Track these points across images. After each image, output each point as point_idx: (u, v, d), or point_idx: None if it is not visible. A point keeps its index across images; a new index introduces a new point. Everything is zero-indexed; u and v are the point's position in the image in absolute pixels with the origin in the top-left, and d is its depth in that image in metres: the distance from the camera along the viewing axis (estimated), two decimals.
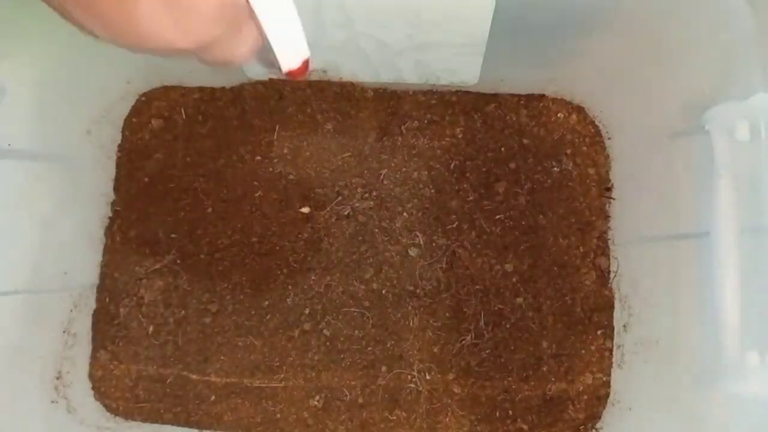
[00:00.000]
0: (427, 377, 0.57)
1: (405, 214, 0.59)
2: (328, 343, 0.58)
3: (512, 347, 0.57)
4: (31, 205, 0.53)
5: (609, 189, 0.59)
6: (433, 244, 0.59)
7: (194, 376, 0.58)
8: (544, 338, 0.57)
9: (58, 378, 0.55)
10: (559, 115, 0.61)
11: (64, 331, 0.56)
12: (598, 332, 0.57)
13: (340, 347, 0.57)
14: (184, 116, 0.62)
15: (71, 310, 0.57)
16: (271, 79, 0.60)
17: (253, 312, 0.58)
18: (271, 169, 0.61)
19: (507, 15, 0.46)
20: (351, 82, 0.59)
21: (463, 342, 0.57)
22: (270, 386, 0.57)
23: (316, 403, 0.57)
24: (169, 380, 0.58)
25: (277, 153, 0.61)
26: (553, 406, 0.56)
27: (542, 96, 0.61)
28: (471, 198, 0.59)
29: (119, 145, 0.62)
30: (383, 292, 0.58)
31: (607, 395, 0.56)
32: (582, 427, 0.56)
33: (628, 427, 0.53)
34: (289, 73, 0.27)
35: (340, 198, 0.60)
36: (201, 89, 0.62)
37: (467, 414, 0.56)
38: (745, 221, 0.38)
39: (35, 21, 0.47)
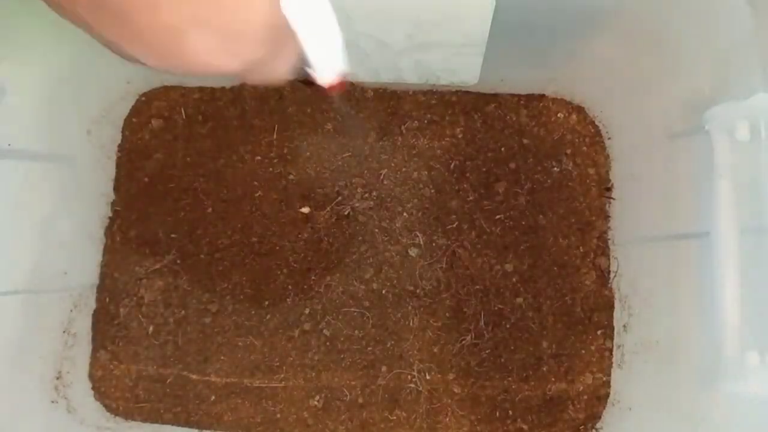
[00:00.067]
0: (427, 377, 0.57)
1: (405, 214, 0.59)
2: (328, 343, 0.58)
3: (512, 347, 0.57)
4: (31, 205, 0.53)
5: (609, 189, 0.59)
6: (433, 244, 0.59)
7: (194, 376, 0.58)
8: (544, 338, 0.57)
9: (58, 378, 0.55)
10: (559, 115, 0.61)
11: (64, 331, 0.56)
12: (598, 332, 0.57)
13: (340, 347, 0.57)
14: (184, 116, 0.62)
15: (71, 310, 0.57)
16: None
17: (253, 312, 0.58)
18: (271, 169, 0.61)
19: (507, 15, 0.46)
20: (351, 82, 0.59)
21: (463, 342, 0.57)
22: (270, 386, 0.57)
23: (316, 403, 0.57)
24: (169, 380, 0.58)
25: (277, 153, 0.61)
26: (553, 406, 0.56)
27: (542, 96, 0.61)
28: (471, 198, 0.59)
29: (119, 145, 0.62)
30: (383, 292, 0.58)
31: (607, 395, 0.56)
32: (582, 427, 0.56)
33: (628, 427, 0.53)
34: (327, 88, 0.28)
35: (340, 198, 0.60)
36: (201, 89, 0.62)
37: (467, 414, 0.56)
38: (745, 221, 0.38)
39: (35, 22, 0.47)
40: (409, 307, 0.58)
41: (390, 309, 0.58)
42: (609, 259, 0.58)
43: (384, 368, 0.57)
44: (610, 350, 0.57)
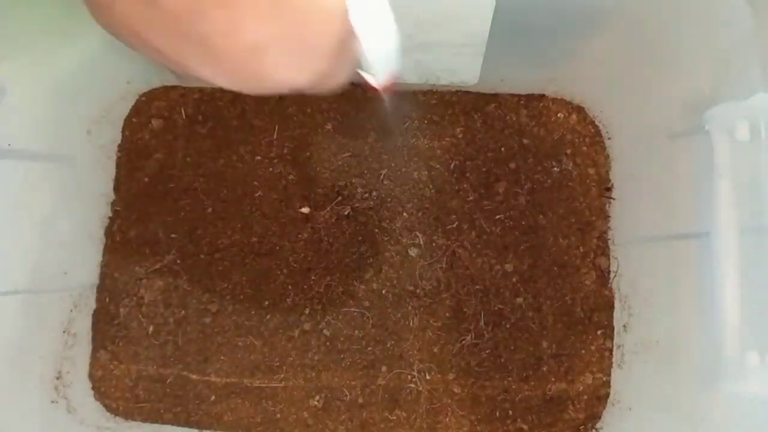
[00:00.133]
0: (427, 377, 0.57)
1: (405, 214, 0.59)
2: (328, 343, 0.58)
3: (512, 347, 0.57)
4: (31, 205, 0.53)
5: (609, 189, 0.59)
6: (433, 244, 0.59)
7: (194, 376, 0.58)
8: (544, 338, 0.57)
9: (58, 378, 0.55)
10: (559, 115, 0.61)
11: (64, 331, 0.56)
12: (598, 332, 0.57)
13: (340, 347, 0.57)
14: (184, 116, 0.62)
15: (71, 310, 0.57)
16: None
17: (253, 312, 0.58)
18: (271, 169, 0.61)
19: (507, 15, 0.46)
20: (351, 82, 0.59)
21: (463, 342, 0.57)
22: (270, 386, 0.57)
23: (316, 403, 0.57)
24: (169, 380, 0.58)
25: (277, 153, 0.61)
26: (553, 406, 0.56)
27: (542, 96, 0.61)
28: (471, 198, 0.59)
29: (119, 145, 0.62)
30: (383, 292, 0.58)
31: (607, 395, 0.56)
32: (582, 427, 0.56)
33: (628, 427, 0.53)
34: (380, 88, 0.28)
35: (340, 198, 0.60)
36: (201, 89, 0.62)
37: (467, 414, 0.56)
38: (745, 221, 0.38)
39: (35, 21, 0.47)
40: (409, 307, 0.58)
41: (390, 309, 0.58)
42: (609, 259, 0.58)
43: (384, 368, 0.57)
44: (610, 350, 0.57)
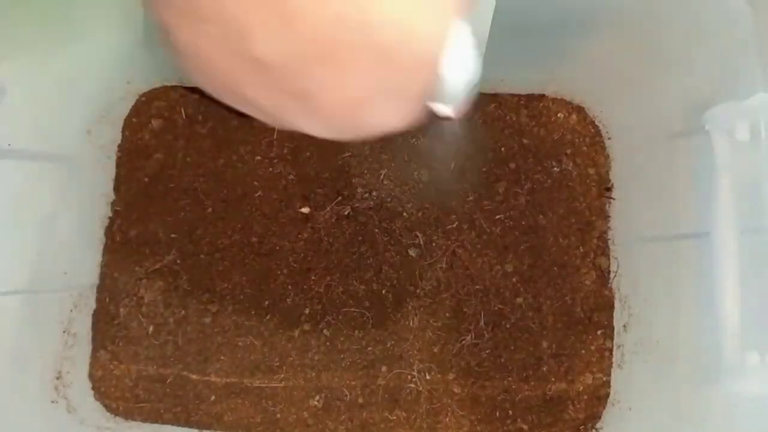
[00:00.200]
0: (427, 377, 0.57)
1: (405, 214, 0.59)
2: (328, 343, 0.58)
3: (512, 347, 0.57)
4: (31, 205, 0.53)
5: (609, 189, 0.59)
6: (433, 244, 0.59)
7: (194, 376, 0.58)
8: (544, 338, 0.57)
9: (58, 378, 0.55)
10: (559, 115, 0.61)
11: (64, 331, 0.56)
12: (598, 332, 0.57)
13: (340, 347, 0.57)
14: (184, 116, 0.62)
15: (71, 310, 0.57)
16: None
17: (253, 312, 0.58)
18: (271, 169, 0.61)
19: (507, 15, 0.46)
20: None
21: (463, 342, 0.57)
22: (270, 386, 0.57)
23: (316, 403, 0.57)
24: (169, 380, 0.58)
25: (277, 153, 0.61)
26: (553, 406, 0.56)
27: (542, 96, 0.61)
28: (471, 198, 0.59)
29: (119, 145, 0.62)
30: (383, 292, 0.58)
31: (607, 395, 0.56)
32: (582, 427, 0.56)
33: (628, 427, 0.53)
34: (454, 115, 0.28)
35: (340, 198, 0.60)
36: (201, 89, 0.62)
37: (467, 414, 0.56)
38: (745, 221, 0.38)
39: (35, 21, 0.47)
40: (409, 307, 0.58)
41: (390, 309, 0.58)
42: (609, 259, 0.58)
43: (384, 368, 0.57)
44: (610, 350, 0.57)
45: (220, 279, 0.59)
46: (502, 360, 0.57)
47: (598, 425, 0.56)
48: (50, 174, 0.54)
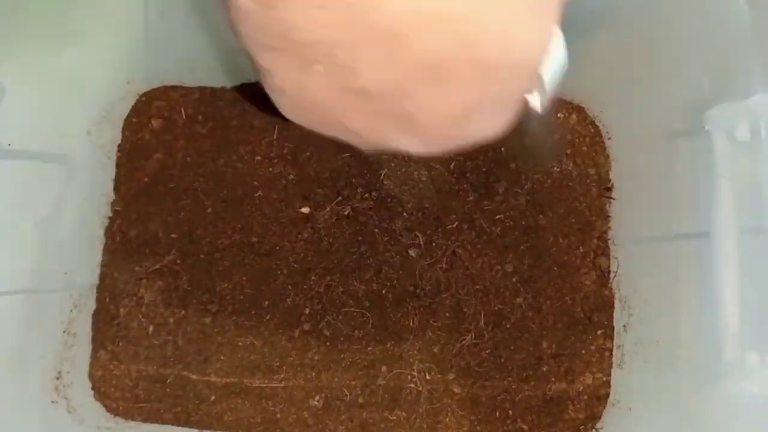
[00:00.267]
0: (427, 377, 0.57)
1: (405, 214, 0.59)
2: (328, 343, 0.58)
3: (512, 347, 0.57)
4: (31, 205, 0.53)
5: (609, 189, 0.59)
6: (433, 244, 0.59)
7: (194, 376, 0.58)
8: (544, 338, 0.57)
9: (58, 378, 0.55)
10: (559, 115, 0.61)
11: (64, 331, 0.56)
12: (598, 332, 0.57)
13: (340, 347, 0.57)
14: (184, 116, 0.62)
15: (71, 310, 0.57)
16: None
17: (253, 312, 0.58)
18: (271, 169, 0.61)
19: None
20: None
21: (463, 342, 0.57)
22: (270, 386, 0.57)
23: (316, 403, 0.57)
24: (169, 380, 0.58)
25: (277, 153, 0.61)
26: (553, 406, 0.56)
27: None
28: (471, 198, 0.59)
29: (119, 145, 0.62)
30: (383, 292, 0.58)
31: (607, 395, 0.56)
32: (582, 427, 0.56)
33: (628, 427, 0.53)
34: (542, 109, 0.29)
35: (340, 198, 0.60)
36: (201, 89, 0.62)
37: (467, 414, 0.56)
38: (745, 221, 0.38)
39: (35, 22, 0.47)
40: (409, 307, 0.58)
41: (390, 309, 0.58)
42: (609, 259, 0.58)
43: (384, 368, 0.57)
44: (610, 350, 0.57)
45: (220, 279, 0.59)
46: (502, 360, 0.57)
47: (598, 425, 0.56)
48: (50, 174, 0.54)
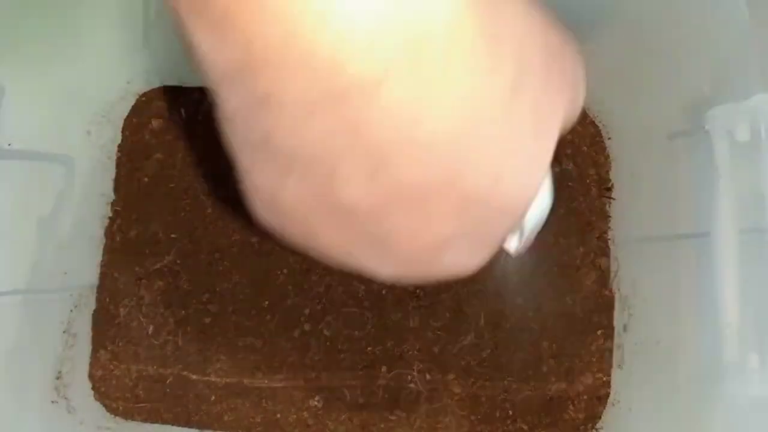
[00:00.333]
0: (427, 377, 0.57)
1: None
2: (328, 343, 0.58)
3: (512, 347, 0.57)
4: (31, 205, 0.53)
5: (609, 189, 0.59)
6: None
7: (194, 376, 0.58)
8: (544, 338, 0.57)
9: (58, 378, 0.55)
10: None
11: (64, 331, 0.56)
12: (598, 332, 0.57)
13: (340, 347, 0.57)
14: (184, 116, 0.62)
15: (71, 310, 0.57)
16: None
17: (253, 312, 0.58)
18: None
19: None
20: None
21: (463, 342, 0.57)
22: (270, 386, 0.57)
23: (316, 403, 0.57)
24: (169, 380, 0.58)
25: None
26: (553, 407, 0.56)
27: None
28: None
29: (119, 145, 0.62)
30: (383, 292, 0.58)
31: (607, 395, 0.56)
32: (582, 427, 0.56)
33: (628, 427, 0.53)
34: (517, 252, 0.28)
35: None
36: (201, 89, 0.62)
37: (467, 414, 0.56)
38: (745, 221, 0.38)
39: (35, 22, 0.47)
40: (409, 307, 0.58)
41: (390, 309, 0.58)
42: (609, 259, 0.58)
43: (384, 368, 0.57)
44: (610, 350, 0.57)
45: (220, 279, 0.59)
46: (502, 360, 0.57)
47: (598, 425, 0.56)
48: (50, 174, 0.54)
